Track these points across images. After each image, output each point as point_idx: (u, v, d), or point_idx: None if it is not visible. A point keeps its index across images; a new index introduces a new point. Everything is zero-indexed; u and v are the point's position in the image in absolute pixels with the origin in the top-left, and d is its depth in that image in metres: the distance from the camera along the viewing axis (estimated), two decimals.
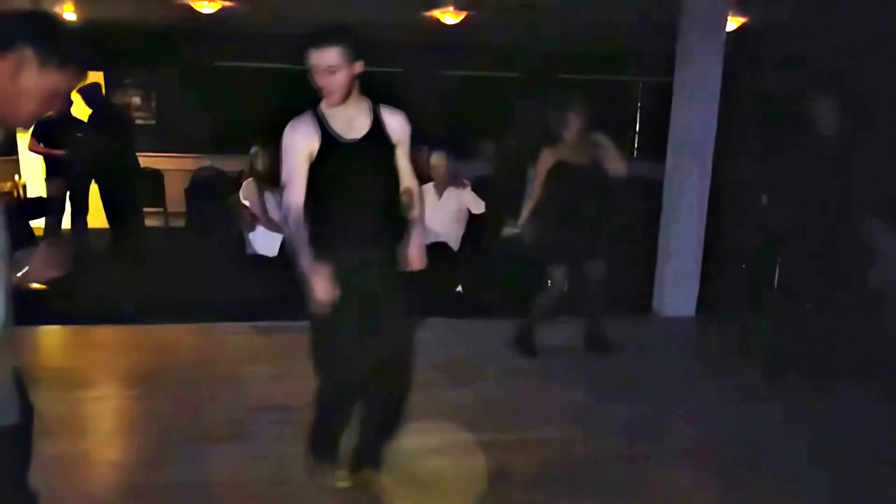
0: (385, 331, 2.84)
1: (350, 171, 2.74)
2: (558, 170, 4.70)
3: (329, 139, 2.71)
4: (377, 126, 2.76)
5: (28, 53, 1.50)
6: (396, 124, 2.80)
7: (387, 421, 3.02)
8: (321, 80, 2.62)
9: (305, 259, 2.70)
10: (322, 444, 3.05)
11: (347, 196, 2.75)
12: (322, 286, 2.67)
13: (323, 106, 2.74)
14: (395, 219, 2.86)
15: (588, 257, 4.80)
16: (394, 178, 2.85)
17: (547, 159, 4.74)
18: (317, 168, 2.73)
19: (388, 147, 2.79)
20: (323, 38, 2.59)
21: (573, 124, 4.69)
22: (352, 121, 2.73)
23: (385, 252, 2.83)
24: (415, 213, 2.93)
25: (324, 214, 2.75)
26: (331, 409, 2.97)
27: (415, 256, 2.92)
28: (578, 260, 4.79)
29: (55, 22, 1.65)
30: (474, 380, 4.44)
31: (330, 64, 2.58)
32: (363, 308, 2.78)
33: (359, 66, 2.65)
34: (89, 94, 7.54)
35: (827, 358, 4.40)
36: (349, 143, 2.72)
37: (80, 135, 7.45)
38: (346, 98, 2.67)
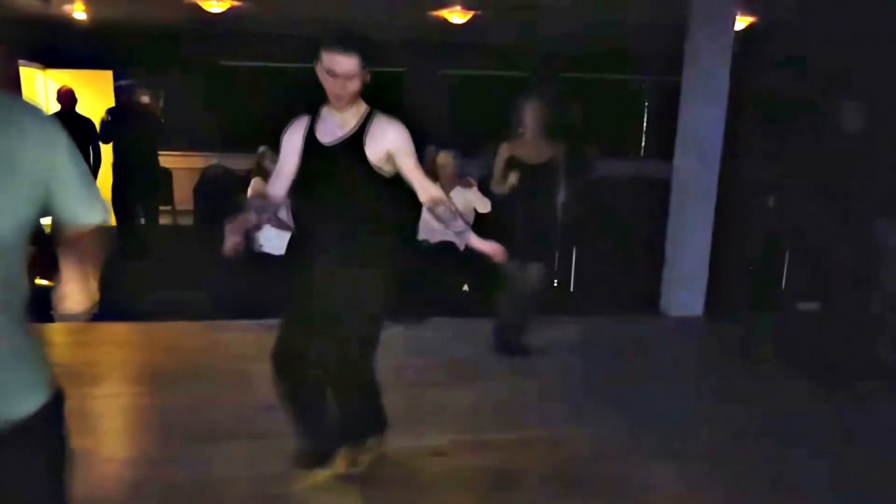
0: (326, 330, 2.86)
1: (318, 173, 2.80)
2: (511, 166, 4.65)
3: (310, 140, 2.79)
4: (358, 134, 2.73)
5: None
6: (391, 133, 2.74)
7: (345, 417, 3.05)
8: (336, 85, 2.63)
9: (239, 216, 2.85)
10: (301, 438, 3.09)
11: (311, 197, 2.84)
12: (228, 237, 2.78)
13: (324, 108, 2.79)
14: (358, 224, 2.79)
15: (530, 259, 4.73)
16: (364, 185, 2.77)
17: (502, 154, 4.70)
18: (301, 167, 2.83)
19: (360, 155, 2.72)
20: (347, 44, 2.60)
21: (530, 121, 4.64)
22: (343, 126, 2.76)
23: (340, 253, 2.78)
24: (458, 224, 2.93)
25: (300, 212, 2.86)
26: (288, 402, 3.02)
27: (490, 250, 2.96)
28: (523, 260, 4.73)
29: None
30: (478, 379, 4.44)
31: (350, 71, 2.60)
32: (308, 305, 2.84)
33: (367, 75, 2.68)
34: (125, 91, 7.70)
35: (834, 358, 4.39)
36: (323, 147, 2.77)
37: (109, 118, 7.60)
38: (352, 103, 2.72)
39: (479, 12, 8.38)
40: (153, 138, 7.94)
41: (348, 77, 2.60)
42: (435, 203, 2.86)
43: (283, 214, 5.84)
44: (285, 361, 2.91)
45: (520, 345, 4.89)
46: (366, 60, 2.62)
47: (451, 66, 10.75)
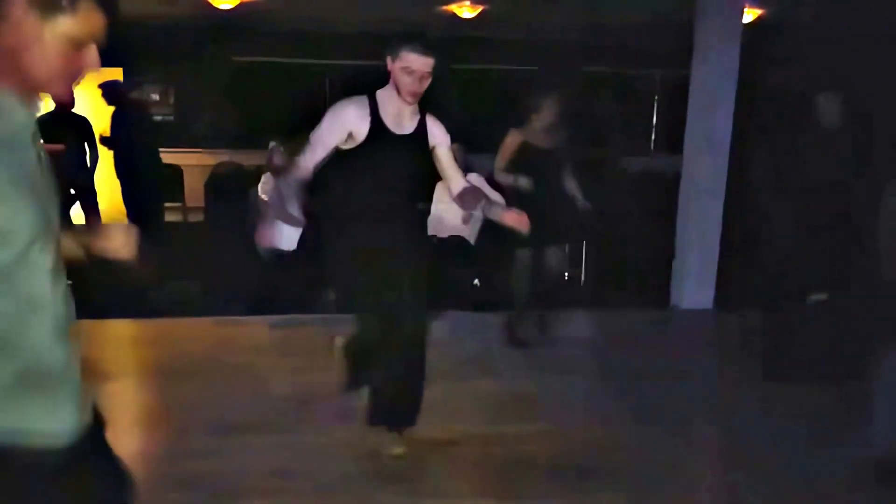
0: (401, 302, 3.06)
1: (393, 159, 3.01)
2: (522, 151, 4.72)
3: (379, 127, 2.99)
4: (422, 127, 3.10)
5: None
6: (438, 130, 3.15)
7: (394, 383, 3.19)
8: (413, 83, 2.90)
9: (292, 208, 3.36)
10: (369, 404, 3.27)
11: (383, 180, 3.02)
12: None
13: (384, 99, 3.00)
14: (415, 206, 3.17)
15: (548, 244, 4.77)
16: (424, 173, 3.16)
17: (512, 140, 4.76)
18: (360, 150, 2.99)
19: (426, 146, 3.13)
20: (430, 47, 2.90)
21: (546, 112, 4.71)
22: (401, 117, 3.03)
23: (406, 233, 3.11)
24: (487, 205, 3.25)
25: (359, 191, 3.05)
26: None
27: (512, 219, 3.14)
28: (540, 245, 4.75)
29: None
30: (488, 372, 4.46)
31: (426, 70, 2.91)
32: (383, 278, 3.02)
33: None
34: (109, 90, 7.66)
35: (840, 355, 4.36)
36: (398, 136, 3.02)
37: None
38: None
39: (487, 7, 8.37)
40: (150, 135, 7.92)
41: (425, 76, 2.90)
42: (465, 190, 3.19)
43: (294, 209, 5.86)
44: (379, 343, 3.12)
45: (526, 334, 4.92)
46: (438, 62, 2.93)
47: (460, 61, 10.73)
